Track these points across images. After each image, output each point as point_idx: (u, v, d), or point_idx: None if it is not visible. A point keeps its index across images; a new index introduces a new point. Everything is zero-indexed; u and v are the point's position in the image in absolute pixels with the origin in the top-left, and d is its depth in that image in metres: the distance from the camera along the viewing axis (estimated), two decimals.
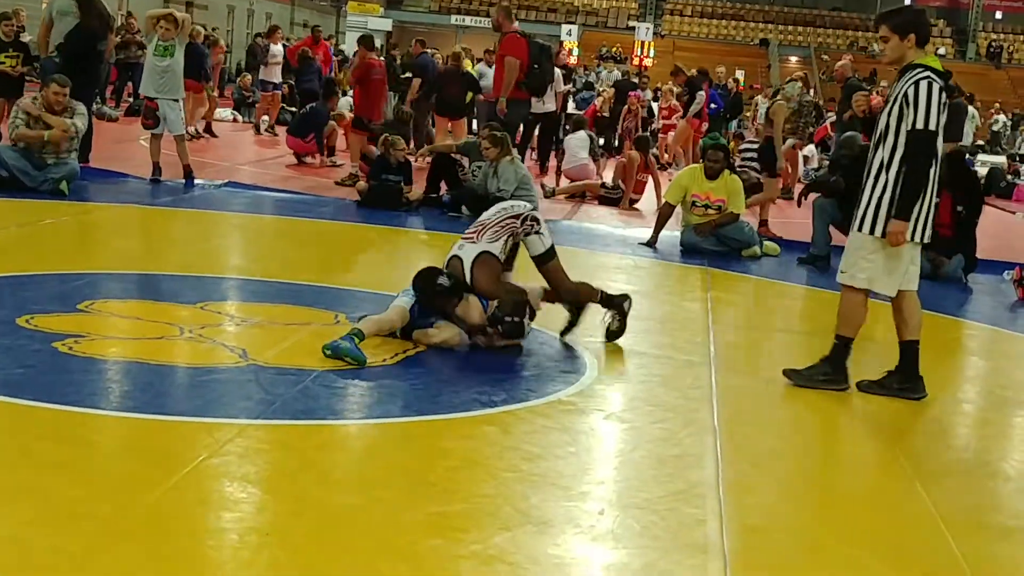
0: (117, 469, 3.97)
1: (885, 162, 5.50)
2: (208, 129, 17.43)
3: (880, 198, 5.50)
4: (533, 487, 4.09)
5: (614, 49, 48.18)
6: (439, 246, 10.12)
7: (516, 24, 12.42)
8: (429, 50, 18.00)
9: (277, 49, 18.90)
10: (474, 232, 6.09)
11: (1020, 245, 13.04)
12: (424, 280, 5.88)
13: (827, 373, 5.71)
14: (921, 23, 5.70)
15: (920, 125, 5.38)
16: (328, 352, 5.33)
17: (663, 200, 10.65)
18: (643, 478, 4.36)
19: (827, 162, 16.19)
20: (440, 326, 5.86)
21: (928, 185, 5.49)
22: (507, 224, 6.08)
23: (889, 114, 5.50)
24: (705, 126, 19.42)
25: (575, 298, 6.33)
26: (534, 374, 5.70)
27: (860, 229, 5.60)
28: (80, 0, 11.95)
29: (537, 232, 6.13)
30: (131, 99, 21.80)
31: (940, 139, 5.51)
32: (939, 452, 5.26)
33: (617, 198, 13.75)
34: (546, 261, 6.21)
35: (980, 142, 28.57)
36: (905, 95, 5.43)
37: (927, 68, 5.48)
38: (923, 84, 5.41)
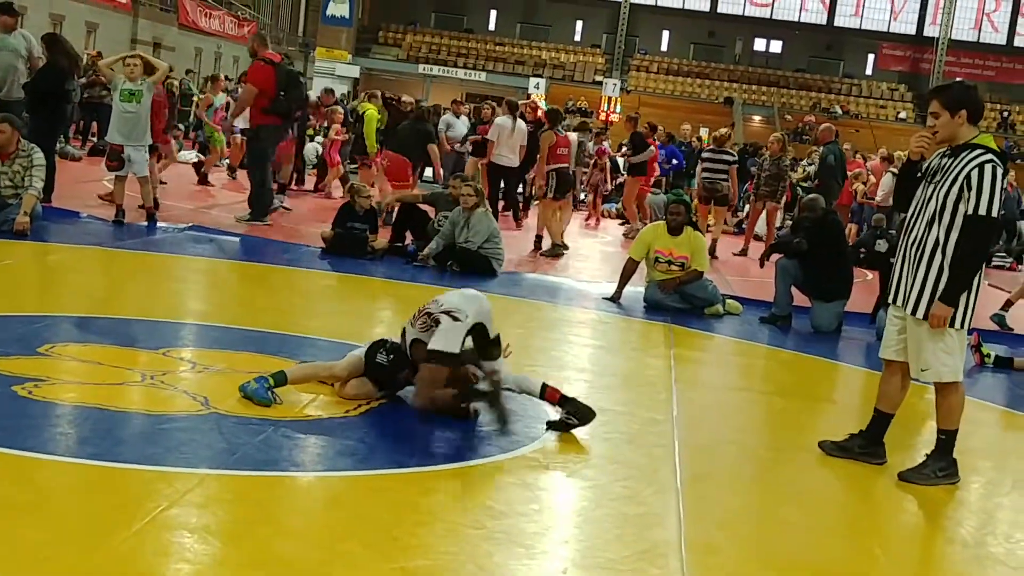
0: (78, 516, 3.91)
1: (941, 243, 5.36)
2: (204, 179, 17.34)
3: (937, 282, 5.40)
4: (496, 545, 4.07)
5: (580, 103, 48.64)
6: (402, 296, 10.13)
7: (270, 50, 12.89)
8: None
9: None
10: (414, 315, 5.82)
11: (978, 310, 13.16)
12: (369, 352, 5.82)
13: (943, 468, 5.55)
14: (973, 99, 5.51)
15: (983, 211, 5.25)
16: (240, 393, 5.37)
17: (628, 256, 10.70)
18: (606, 537, 4.35)
19: (789, 223, 16.38)
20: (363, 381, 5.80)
21: (979, 271, 5.43)
22: (425, 317, 5.68)
23: (947, 194, 5.33)
24: (652, 181, 19.52)
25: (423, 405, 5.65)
26: (497, 429, 5.67)
27: (926, 317, 5.44)
28: (47, 39, 11.95)
29: (434, 328, 5.60)
30: (94, 139, 21.74)
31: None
32: (899, 517, 5.29)
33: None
34: (429, 358, 5.56)
35: None
36: (968, 177, 5.28)
37: (988, 150, 5.35)
38: (988, 168, 5.28)
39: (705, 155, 16.54)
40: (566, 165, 14.36)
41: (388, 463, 4.90)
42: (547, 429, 5.60)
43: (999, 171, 5.31)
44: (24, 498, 3.98)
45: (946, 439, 5.56)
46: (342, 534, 4.04)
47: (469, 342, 5.66)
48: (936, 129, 5.49)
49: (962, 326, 5.50)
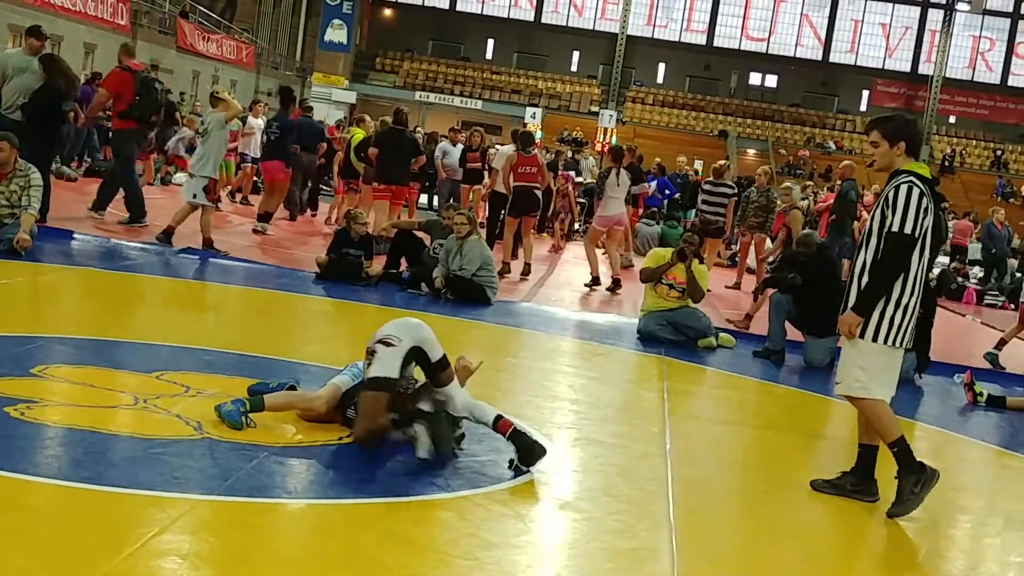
0: (67, 541, 3.88)
1: (868, 265, 5.54)
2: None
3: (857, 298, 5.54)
4: None
5: (575, 133, 48.80)
6: None
7: (134, 60, 13.65)
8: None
9: (255, 122, 18.72)
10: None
11: (971, 348, 13.20)
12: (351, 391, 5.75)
13: (916, 482, 5.50)
14: (912, 132, 5.72)
15: (896, 228, 5.41)
16: (216, 413, 5.41)
17: (644, 265, 10.72)
18: (599, 571, 4.33)
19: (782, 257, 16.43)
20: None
21: (912, 290, 5.50)
22: (368, 355, 5.57)
23: (872, 218, 5.55)
24: (640, 212, 19.50)
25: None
26: (490, 459, 5.65)
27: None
28: (45, 60, 11.97)
29: (371, 359, 5.52)
30: (89, 160, 21.76)
31: (927, 244, 5.50)
32: (890, 555, 5.28)
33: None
34: (369, 387, 5.47)
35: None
36: (887, 198, 5.49)
37: (912, 173, 5.53)
38: (903, 187, 5.46)
39: (705, 187, 16.56)
40: (529, 184, 14.15)
41: (381, 492, 4.88)
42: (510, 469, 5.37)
43: (915, 191, 5.45)
44: (11, 522, 3.96)
45: (898, 451, 5.54)
46: (334, 563, 4.02)
47: (422, 375, 5.60)
48: (874, 158, 5.68)
49: (885, 342, 5.54)
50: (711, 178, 16.62)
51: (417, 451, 5.24)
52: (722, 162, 17.62)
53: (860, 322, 5.51)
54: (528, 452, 5.35)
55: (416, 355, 5.50)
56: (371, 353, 5.48)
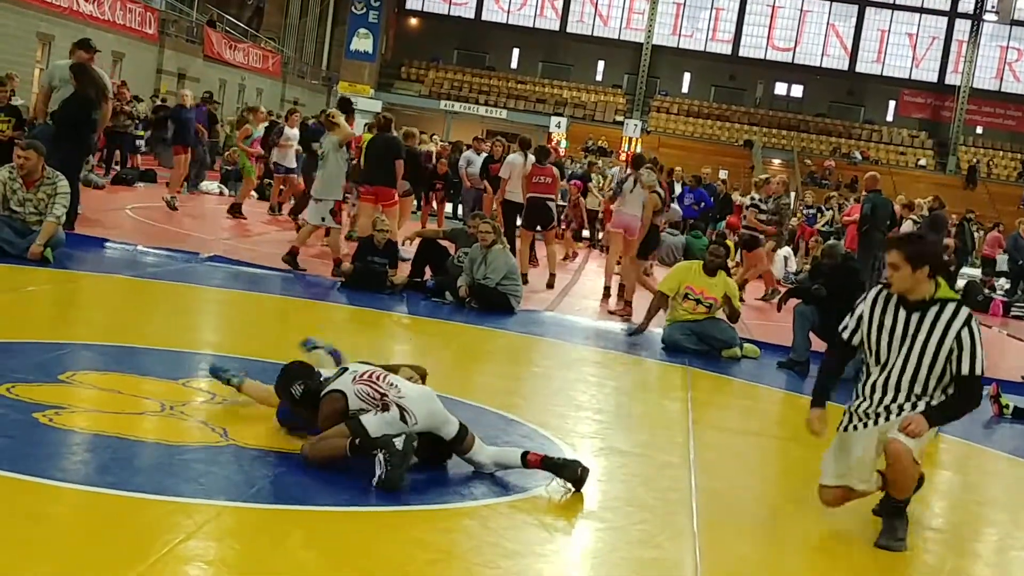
0: (94, 547, 3.92)
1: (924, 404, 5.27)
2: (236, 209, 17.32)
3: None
4: None
5: (600, 142, 48.80)
6: (420, 331, 10.17)
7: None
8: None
9: (292, 132, 18.62)
10: (365, 375, 5.51)
11: (997, 360, 13.13)
12: (287, 374, 5.60)
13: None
14: (936, 253, 5.38)
15: (969, 371, 5.17)
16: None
17: (657, 290, 10.70)
18: None
19: (808, 267, 16.42)
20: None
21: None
22: (377, 392, 5.38)
23: (936, 354, 5.23)
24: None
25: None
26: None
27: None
28: (75, 69, 12.08)
29: (377, 410, 5.31)
30: (118, 167, 21.93)
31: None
32: (916, 570, 5.26)
33: None
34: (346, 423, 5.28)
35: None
36: (958, 336, 5.18)
37: (958, 303, 5.27)
38: (975, 326, 5.20)
39: (749, 202, 16.49)
40: (543, 195, 14.28)
41: (405, 500, 4.89)
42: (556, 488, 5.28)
43: (976, 325, 5.23)
44: (39, 528, 4.00)
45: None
46: (359, 570, 4.05)
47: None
48: (892, 280, 5.32)
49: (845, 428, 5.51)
50: (754, 192, 16.58)
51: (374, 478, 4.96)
52: (764, 176, 17.67)
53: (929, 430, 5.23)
54: (570, 472, 5.25)
55: (427, 437, 5.26)
56: (384, 407, 5.26)
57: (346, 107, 14.58)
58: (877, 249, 15.40)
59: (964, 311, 5.25)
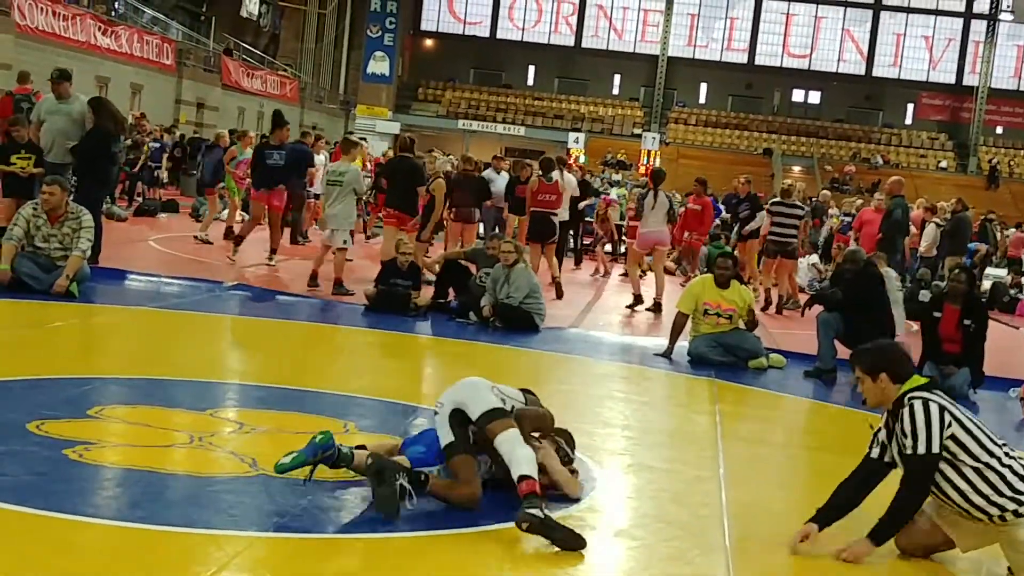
0: None
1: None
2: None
3: None
4: None
5: (619, 155, 48.81)
6: (447, 353, 10.18)
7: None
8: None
9: (319, 159, 18.48)
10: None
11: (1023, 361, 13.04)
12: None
13: None
14: (892, 357, 5.22)
15: (920, 451, 4.97)
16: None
17: (676, 310, 10.68)
18: None
19: (830, 273, 16.34)
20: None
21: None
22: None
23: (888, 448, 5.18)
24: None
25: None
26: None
27: None
28: (93, 103, 12.17)
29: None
30: (140, 199, 22.05)
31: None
32: None
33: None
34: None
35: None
36: (901, 426, 5.03)
37: (914, 390, 5.09)
38: (917, 405, 4.99)
39: (774, 208, 16.27)
40: (548, 211, 14.72)
41: (434, 524, 4.88)
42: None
43: (933, 406, 4.98)
44: (72, 564, 4.01)
45: None
46: None
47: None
48: (864, 396, 5.29)
49: None
50: (779, 199, 16.35)
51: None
52: (788, 182, 17.59)
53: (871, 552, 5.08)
54: (550, 534, 4.67)
55: (458, 416, 5.22)
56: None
57: (279, 121, 14.76)
58: (897, 254, 15.35)
59: (913, 393, 5.06)
